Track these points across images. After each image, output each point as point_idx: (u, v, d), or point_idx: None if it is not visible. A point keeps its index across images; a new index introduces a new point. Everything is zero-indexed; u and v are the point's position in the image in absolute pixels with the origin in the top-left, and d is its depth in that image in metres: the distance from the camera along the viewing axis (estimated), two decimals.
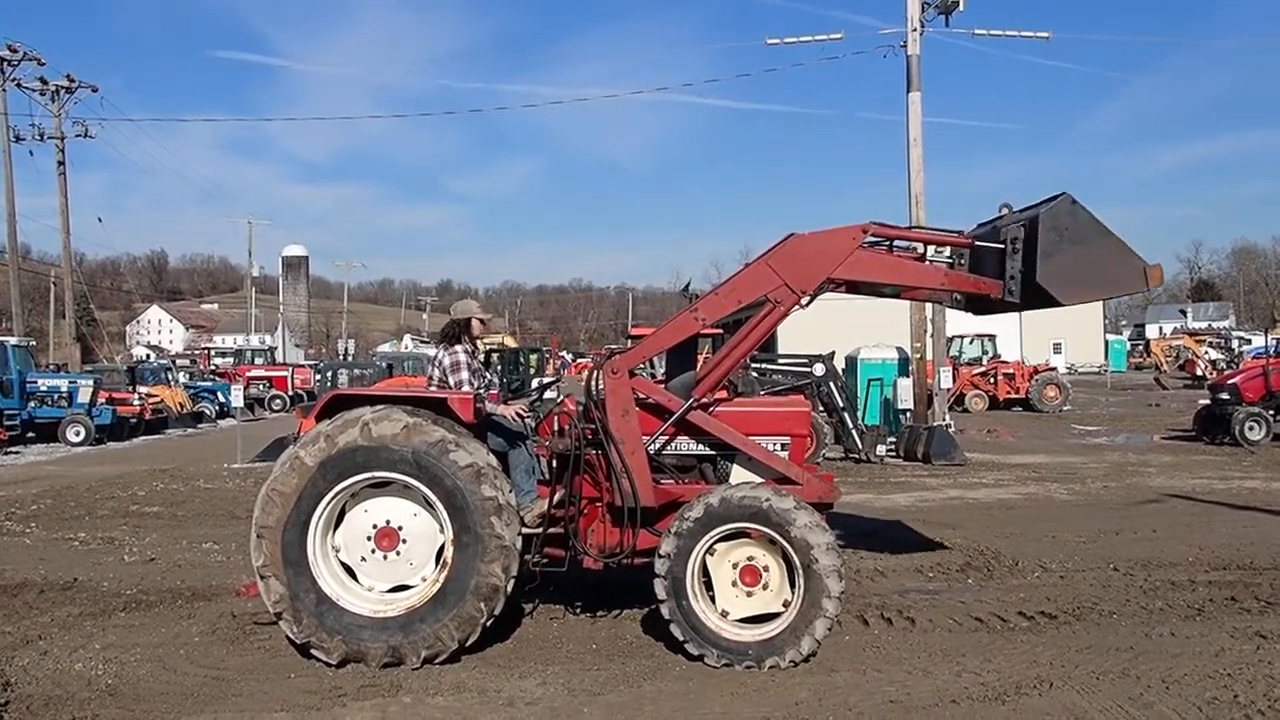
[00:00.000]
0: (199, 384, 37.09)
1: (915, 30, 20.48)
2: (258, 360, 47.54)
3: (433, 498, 6.27)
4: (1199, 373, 45.49)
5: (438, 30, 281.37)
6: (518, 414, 7.08)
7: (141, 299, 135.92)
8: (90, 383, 25.69)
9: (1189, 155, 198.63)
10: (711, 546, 6.32)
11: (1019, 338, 47.63)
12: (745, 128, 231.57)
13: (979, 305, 7.58)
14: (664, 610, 6.26)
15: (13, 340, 25.96)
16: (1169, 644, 6.67)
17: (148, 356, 67.16)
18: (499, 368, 30.11)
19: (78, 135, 35.18)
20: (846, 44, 23.16)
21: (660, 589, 6.25)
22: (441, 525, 6.32)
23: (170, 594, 8.36)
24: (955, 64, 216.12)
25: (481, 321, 7.59)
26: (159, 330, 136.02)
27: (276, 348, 66.58)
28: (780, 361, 20.59)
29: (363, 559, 6.46)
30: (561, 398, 7.75)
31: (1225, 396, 20.92)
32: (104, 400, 25.82)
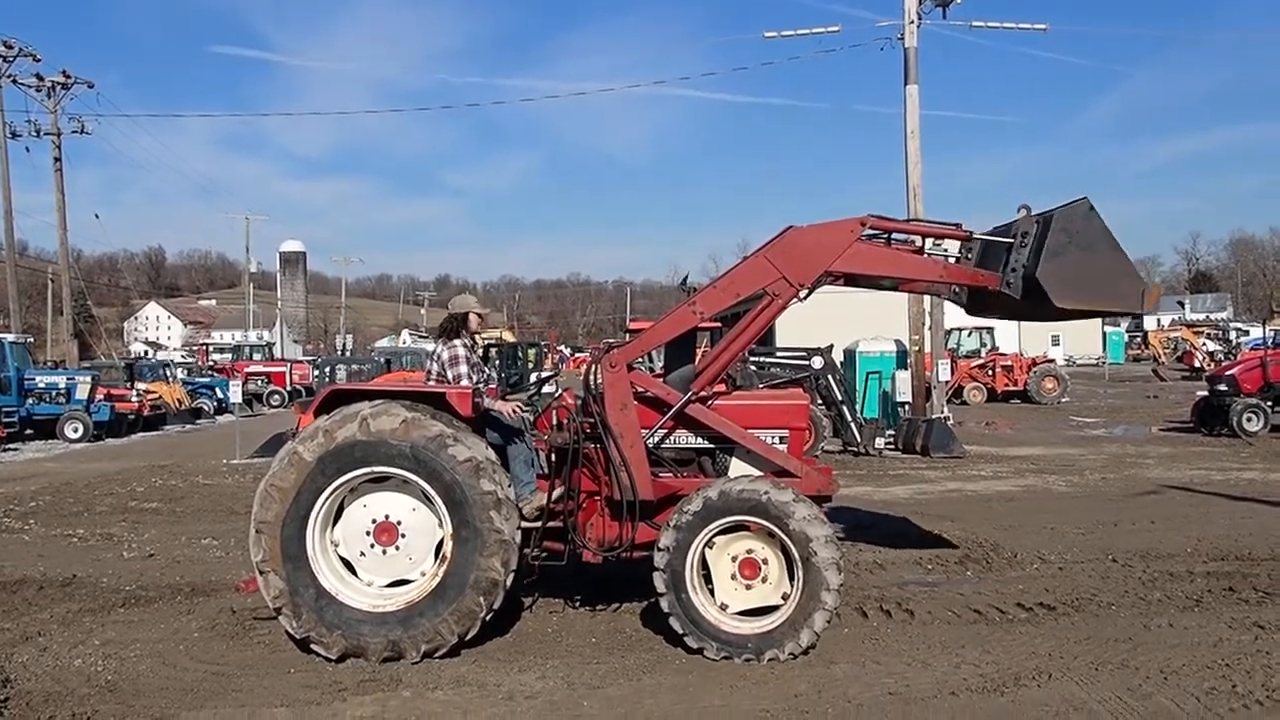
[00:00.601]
0: (197, 380, 37.07)
1: (912, 23, 20.47)
2: (256, 356, 47.43)
3: (431, 492, 6.27)
4: (1197, 364, 45.62)
5: (435, 25, 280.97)
6: (515, 411, 7.08)
7: (139, 295, 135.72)
8: (88, 379, 25.66)
9: (1186, 147, 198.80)
10: (710, 540, 6.32)
11: (1017, 330, 47.63)
12: (743, 121, 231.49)
13: (976, 304, 7.59)
14: (663, 603, 6.26)
15: (10, 337, 25.94)
16: (1167, 635, 6.68)
17: (146, 353, 67.12)
18: (497, 362, 30.08)
19: (74, 131, 35.13)
20: (844, 37, 23.02)
21: (659, 582, 6.26)
22: (440, 520, 6.32)
23: (169, 590, 8.37)
24: (953, 57, 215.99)
25: (480, 316, 7.60)
26: (157, 326, 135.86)
27: (274, 343, 66.50)
28: (779, 355, 20.60)
29: (362, 554, 6.46)
30: (560, 392, 7.75)
31: (1223, 388, 20.94)
32: (102, 397, 25.80)
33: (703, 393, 6.94)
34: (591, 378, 6.95)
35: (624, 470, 6.59)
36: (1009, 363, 33.03)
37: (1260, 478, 14.50)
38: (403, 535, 6.45)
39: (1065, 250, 6.59)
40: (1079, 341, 61.22)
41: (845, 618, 7.00)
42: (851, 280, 7.22)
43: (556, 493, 6.76)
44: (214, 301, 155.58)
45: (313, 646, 6.25)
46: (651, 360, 14.33)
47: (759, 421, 7.11)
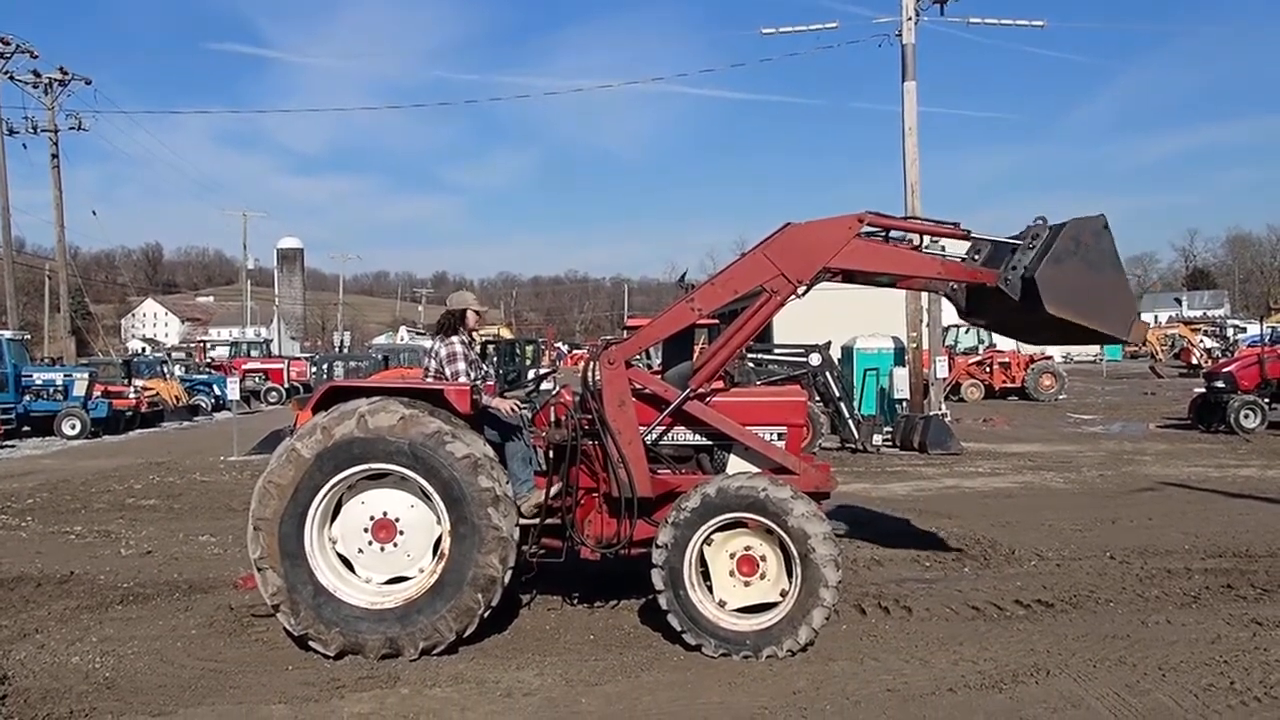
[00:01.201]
0: (195, 377, 37.02)
1: (910, 19, 20.46)
2: (253, 353, 47.44)
3: (430, 489, 6.27)
4: (1194, 361, 45.60)
5: (432, 22, 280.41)
6: (513, 408, 7.08)
7: (136, 292, 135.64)
8: (85, 376, 25.64)
9: (1184, 144, 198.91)
10: (709, 536, 6.32)
11: None
12: (740, 118, 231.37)
13: (969, 308, 7.60)
14: (661, 600, 6.26)
15: (7, 334, 25.90)
16: (1165, 631, 6.69)
17: (143, 350, 67.08)
18: (495, 359, 30.03)
19: (71, 128, 35.09)
20: (841, 33, 23.04)
21: (657, 579, 6.26)
22: (439, 517, 6.32)
23: (167, 587, 8.36)
24: (950, 54, 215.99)
25: (477, 313, 7.59)
26: (154, 323, 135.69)
27: (272, 340, 66.48)
28: (776, 351, 20.58)
29: (360, 551, 6.46)
30: (558, 388, 7.75)
31: (1220, 385, 20.96)
32: (99, 393, 25.78)
33: (701, 389, 6.94)
34: (589, 374, 6.94)
35: (622, 467, 6.59)
36: (1006, 360, 33.01)
37: (1257, 474, 14.51)
38: (401, 532, 6.45)
39: (1069, 258, 6.60)
40: None
41: (843, 614, 7.01)
42: (849, 276, 7.22)
43: (554, 490, 6.76)
44: (211, 298, 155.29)
45: (311, 644, 6.24)
46: (649, 357, 14.32)
47: (757, 418, 7.10)
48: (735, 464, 6.98)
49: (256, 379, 39.60)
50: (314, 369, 40.02)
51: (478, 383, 7.09)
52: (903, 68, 20.47)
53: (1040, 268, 6.56)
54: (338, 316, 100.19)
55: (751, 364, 19.31)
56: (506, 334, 57.65)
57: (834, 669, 6.00)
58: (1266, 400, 20.24)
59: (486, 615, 6.32)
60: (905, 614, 7.22)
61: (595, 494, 6.96)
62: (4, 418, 23.48)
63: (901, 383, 20.14)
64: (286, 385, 40.07)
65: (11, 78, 33.08)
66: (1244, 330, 54.32)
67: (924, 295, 19.24)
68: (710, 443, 7.10)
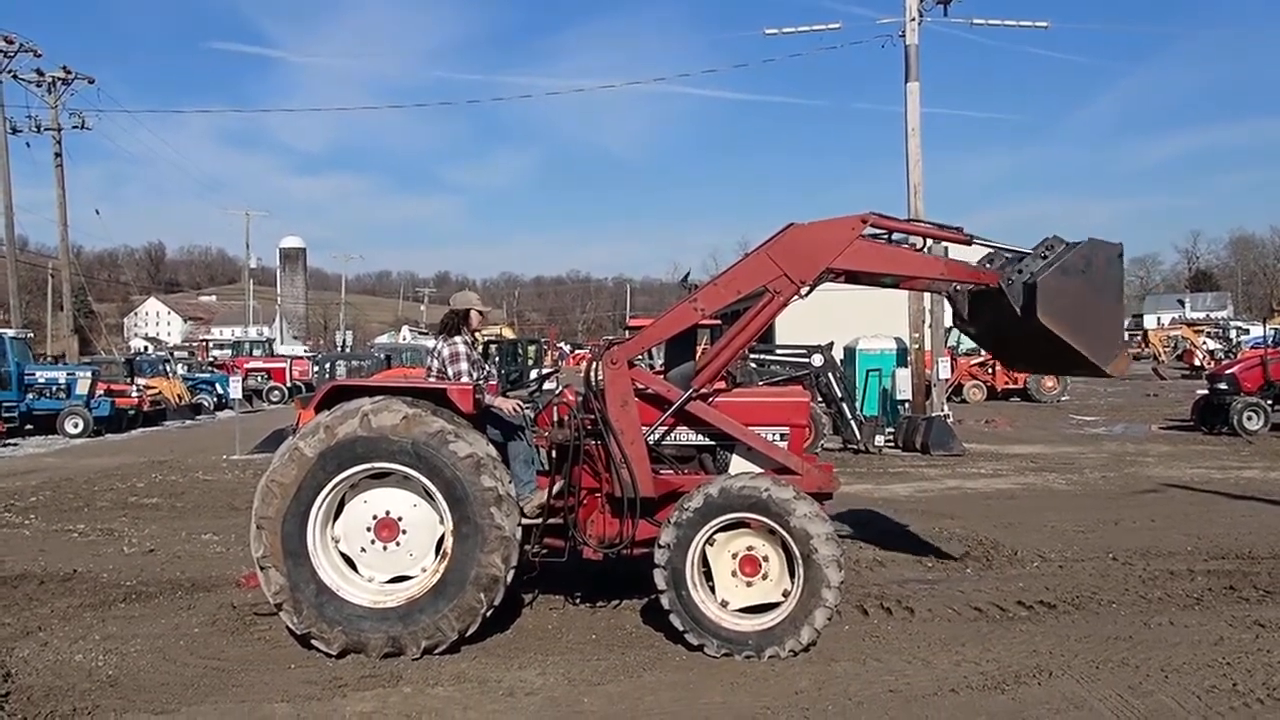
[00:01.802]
0: (197, 376, 37.05)
1: (913, 20, 20.46)
2: (256, 352, 47.47)
3: (432, 488, 6.27)
4: (1197, 363, 45.57)
5: (435, 22, 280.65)
6: (516, 408, 7.08)
7: (139, 291, 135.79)
8: (88, 375, 25.66)
9: (1187, 145, 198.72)
10: (711, 537, 6.32)
11: None
12: (743, 119, 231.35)
13: (967, 316, 7.59)
14: (664, 600, 6.26)
15: (11, 332, 25.93)
16: (1168, 633, 6.69)
17: (145, 348, 67.12)
18: (497, 359, 30.07)
19: (74, 127, 35.08)
20: (845, 34, 23.06)
21: (660, 579, 6.26)
22: (441, 516, 6.32)
23: (170, 585, 8.37)
24: (954, 55, 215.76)
25: (480, 313, 7.59)
26: (157, 322, 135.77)
27: (274, 339, 66.53)
28: (779, 352, 20.59)
29: (362, 550, 6.46)
30: (560, 388, 7.75)
31: (1223, 386, 20.95)
32: (102, 392, 25.79)
33: (703, 390, 6.94)
34: (592, 374, 6.94)
35: (624, 467, 6.59)
36: None
37: (1260, 476, 14.50)
38: (403, 531, 6.45)
39: (1076, 275, 6.64)
40: None
41: (846, 615, 7.00)
42: (852, 277, 7.21)
43: (557, 489, 6.76)
44: (214, 297, 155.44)
45: (313, 642, 6.25)
46: (652, 357, 14.33)
47: (759, 419, 7.10)
48: (738, 464, 6.98)
49: (259, 378, 39.63)
50: (316, 368, 40.08)
51: (480, 382, 7.09)
52: (906, 69, 20.47)
53: (1046, 275, 6.60)
54: (340, 316, 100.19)
55: (754, 364, 19.31)
56: (509, 334, 57.65)
57: (836, 669, 6.00)
58: (1269, 402, 20.22)
59: (489, 614, 6.33)
60: (908, 615, 7.22)
61: (598, 494, 6.96)
62: (7, 416, 23.51)
63: (904, 384, 20.12)
64: (289, 384, 40.09)
65: (15, 76, 33.09)
66: (1247, 332, 54.22)
67: (926, 296, 19.24)
68: (713, 443, 7.10)
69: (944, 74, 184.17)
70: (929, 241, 8.35)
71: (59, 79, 34.51)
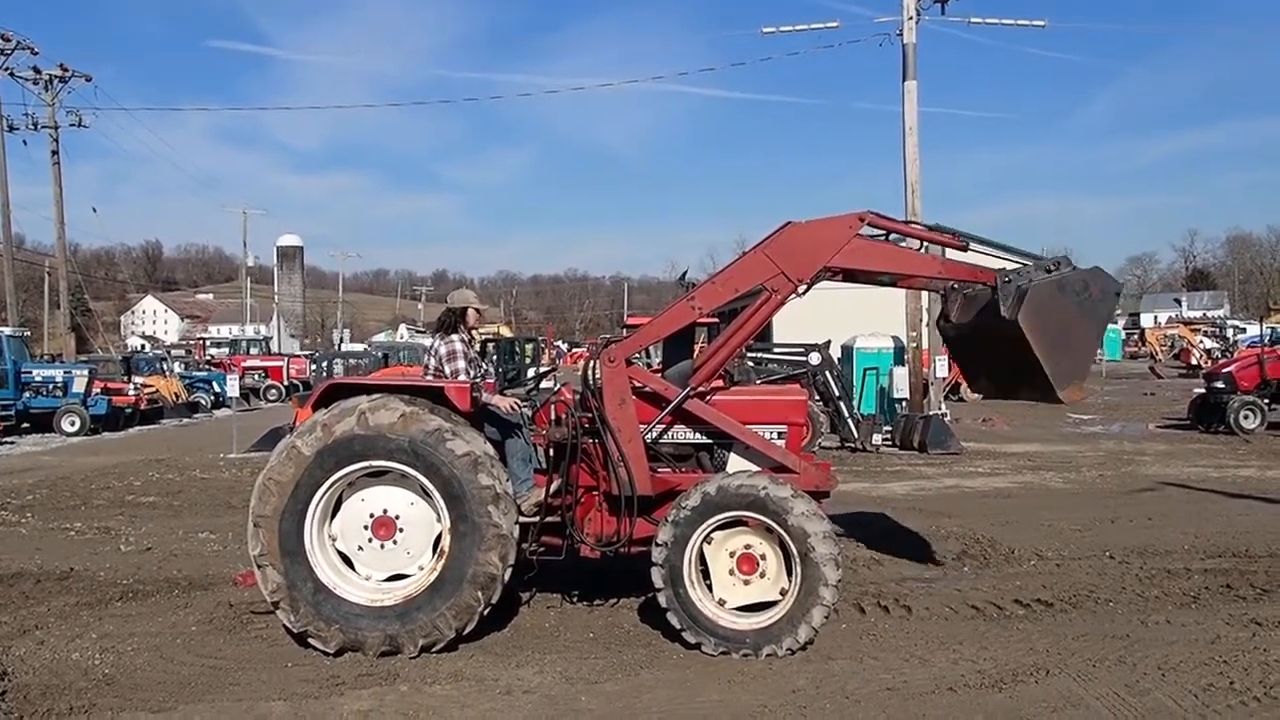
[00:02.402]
0: (194, 374, 37.02)
1: (911, 19, 20.46)
2: (253, 350, 47.42)
3: (430, 486, 6.27)
4: (1194, 361, 45.60)
5: (432, 20, 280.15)
6: (513, 406, 7.08)
7: (136, 289, 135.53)
8: (85, 373, 25.64)
9: (1184, 144, 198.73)
10: (709, 535, 6.32)
11: None
12: (741, 117, 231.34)
13: (947, 315, 7.60)
14: (661, 598, 6.26)
15: (7, 330, 25.88)
16: (1165, 631, 6.69)
17: (142, 347, 67.04)
18: (494, 357, 30.07)
19: (71, 125, 35.06)
20: (842, 33, 23.11)
21: (657, 577, 6.26)
22: (438, 514, 6.32)
23: (167, 583, 8.36)
24: (951, 53, 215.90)
25: (478, 311, 7.59)
26: (154, 320, 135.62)
27: (272, 338, 66.45)
28: (776, 350, 20.60)
29: (360, 548, 6.46)
30: (558, 387, 7.74)
31: (1220, 385, 20.97)
32: (99, 390, 25.78)
33: (701, 388, 6.94)
34: (589, 373, 6.94)
35: (622, 465, 6.59)
36: None
37: (1257, 475, 14.52)
38: (401, 530, 6.44)
39: (1071, 294, 6.72)
40: None
41: (843, 613, 7.01)
42: (850, 275, 7.21)
43: (554, 487, 6.76)
44: (211, 296, 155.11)
45: (310, 640, 6.24)
46: (649, 355, 14.32)
47: (757, 417, 7.10)
48: (735, 462, 6.98)
49: (256, 376, 39.59)
50: (313, 366, 40.06)
51: (477, 380, 7.09)
52: (903, 67, 20.46)
53: (1042, 284, 6.66)
54: (337, 314, 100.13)
55: (751, 363, 19.32)
56: (506, 332, 57.67)
57: (833, 668, 6.00)
58: (1266, 401, 20.25)
59: (486, 613, 6.32)
60: (905, 613, 7.23)
61: (595, 492, 6.95)
62: (4, 414, 23.47)
63: (901, 382, 20.15)
64: (286, 383, 40.07)
65: (12, 74, 33.07)
66: (1243, 331, 54.23)
67: (924, 295, 19.24)
68: (710, 441, 7.10)
69: (942, 73, 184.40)
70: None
71: (56, 77, 34.47)
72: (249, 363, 41.39)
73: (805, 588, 6.12)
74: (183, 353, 56.30)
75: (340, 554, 6.46)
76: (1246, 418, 20.00)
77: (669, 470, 7.02)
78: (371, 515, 6.45)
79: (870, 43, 21.76)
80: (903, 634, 6.71)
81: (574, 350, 75.21)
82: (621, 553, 6.77)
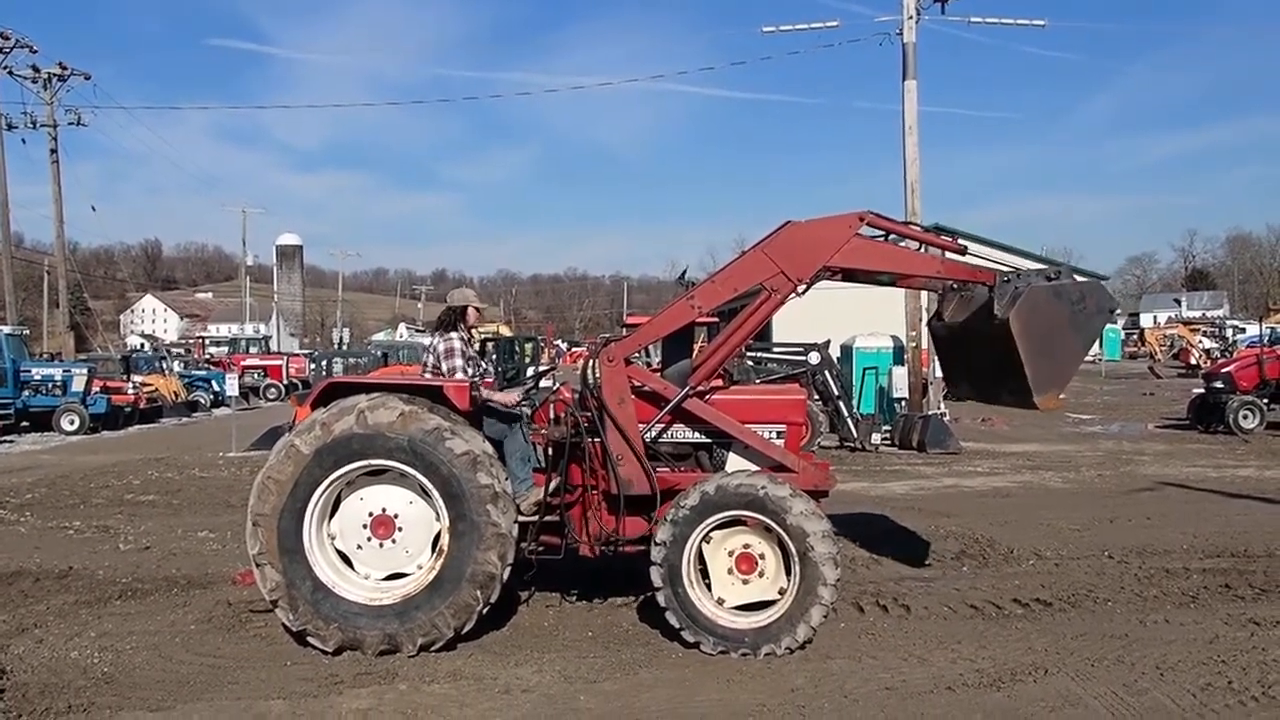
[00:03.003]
0: (193, 373, 37.02)
1: (911, 18, 20.47)
2: (252, 349, 47.45)
3: (429, 485, 6.26)
4: (1193, 361, 45.60)
5: (432, 19, 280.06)
6: (517, 401, 7.08)
7: (135, 288, 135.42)
8: (84, 372, 25.65)
9: (1184, 144, 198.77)
10: (707, 534, 6.32)
11: None
12: (741, 116, 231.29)
13: (940, 315, 7.61)
14: (660, 598, 6.27)
15: (6, 329, 25.87)
16: (1163, 631, 6.70)
17: (142, 346, 67.02)
18: (494, 356, 30.06)
19: (70, 123, 35.12)
20: (842, 32, 23.18)
21: (656, 576, 6.26)
22: (437, 513, 6.32)
23: (166, 582, 8.36)
24: (951, 53, 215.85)
25: (478, 310, 7.59)
26: (153, 319, 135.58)
27: (271, 337, 66.48)
28: (776, 350, 20.60)
29: (359, 547, 6.45)
30: (557, 386, 7.74)
31: (1219, 385, 20.97)
32: (98, 389, 25.78)
33: (700, 387, 6.94)
34: (589, 372, 6.94)
35: (621, 464, 6.59)
36: None
37: (1256, 475, 14.52)
38: (400, 528, 6.44)
39: (1065, 303, 6.71)
40: None
41: (842, 613, 7.01)
42: (849, 275, 7.22)
43: (553, 487, 6.76)
44: (210, 294, 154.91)
45: (309, 639, 6.24)
46: (649, 355, 14.31)
47: (756, 416, 7.10)
48: (734, 462, 6.98)
49: (255, 375, 39.59)
50: (313, 365, 40.06)
51: (476, 379, 7.09)
52: (903, 66, 20.47)
53: (1038, 288, 6.68)
54: (337, 313, 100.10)
55: (751, 362, 19.32)
56: (506, 331, 57.60)
57: (832, 667, 6.00)
58: (1265, 401, 20.24)
59: (485, 612, 6.32)
60: (904, 612, 7.23)
61: (594, 491, 6.95)
62: (3, 413, 23.49)
63: (900, 382, 20.15)
64: (285, 381, 40.08)
65: (10, 73, 33.13)
66: (1243, 331, 54.25)
67: (923, 295, 19.18)
68: (709, 440, 7.10)
69: (941, 72, 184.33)
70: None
71: (55, 75, 34.50)
72: (248, 362, 41.41)
73: (804, 587, 6.12)
74: (182, 351, 56.29)
75: (339, 553, 6.45)
76: (1245, 418, 20.00)
77: (668, 469, 7.02)
78: (370, 514, 6.45)
79: (870, 42, 21.74)
80: (901, 633, 6.71)
81: (573, 349, 75.20)
82: (620, 552, 6.77)
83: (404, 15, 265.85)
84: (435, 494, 6.26)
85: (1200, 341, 50.20)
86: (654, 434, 6.92)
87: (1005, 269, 7.00)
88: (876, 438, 18.68)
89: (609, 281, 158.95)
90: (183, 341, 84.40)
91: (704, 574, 6.37)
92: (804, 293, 6.92)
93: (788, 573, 6.25)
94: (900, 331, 21.02)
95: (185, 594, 7.98)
